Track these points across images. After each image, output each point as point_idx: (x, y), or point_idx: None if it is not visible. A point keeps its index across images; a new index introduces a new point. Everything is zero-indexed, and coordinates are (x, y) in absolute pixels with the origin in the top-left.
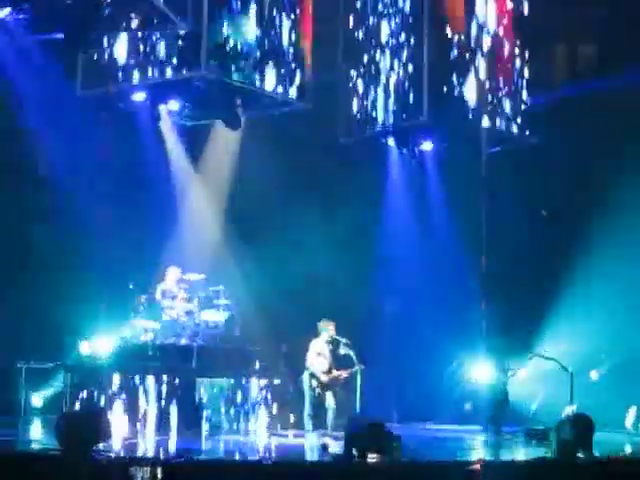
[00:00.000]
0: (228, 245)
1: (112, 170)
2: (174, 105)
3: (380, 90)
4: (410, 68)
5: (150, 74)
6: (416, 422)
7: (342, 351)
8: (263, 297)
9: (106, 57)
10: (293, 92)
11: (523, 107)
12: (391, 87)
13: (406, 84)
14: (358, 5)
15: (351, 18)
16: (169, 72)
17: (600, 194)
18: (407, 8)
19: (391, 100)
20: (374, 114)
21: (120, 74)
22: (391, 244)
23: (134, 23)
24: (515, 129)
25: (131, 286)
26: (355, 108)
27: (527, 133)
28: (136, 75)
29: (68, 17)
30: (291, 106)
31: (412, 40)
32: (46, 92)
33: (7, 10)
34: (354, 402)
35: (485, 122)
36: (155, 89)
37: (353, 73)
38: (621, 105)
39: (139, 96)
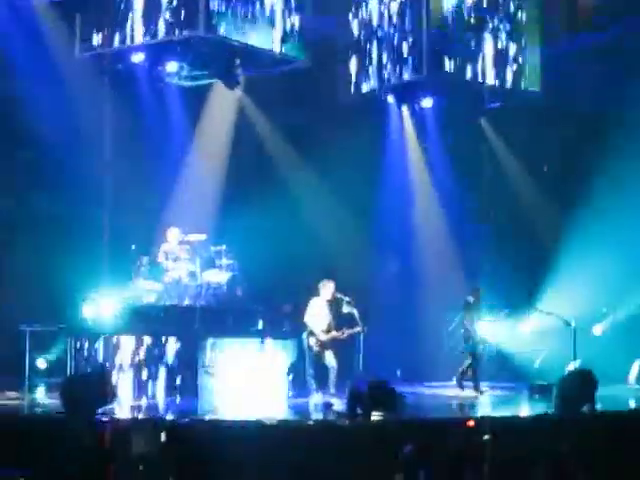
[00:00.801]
0: (229, 204)
1: (111, 131)
2: (172, 66)
3: (378, 46)
4: (408, 23)
5: (149, 34)
6: (419, 381)
7: (345, 309)
8: (265, 257)
9: (104, 18)
10: (293, 25)
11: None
12: (392, 43)
13: (405, 40)
14: None
15: None
16: (167, 32)
17: (602, 148)
18: None
19: (390, 56)
20: (373, 71)
21: (118, 35)
22: (392, 203)
23: None
24: (510, 83)
25: (133, 247)
26: (354, 65)
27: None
28: (135, 35)
29: None
30: (290, 64)
31: None
32: (44, 55)
33: None
34: (357, 361)
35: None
36: (153, 50)
37: (353, 28)
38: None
39: (137, 57)
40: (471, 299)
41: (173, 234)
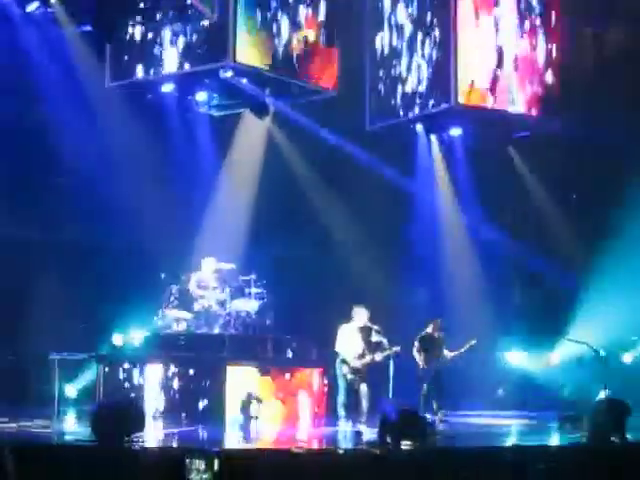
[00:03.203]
0: (258, 233)
1: (141, 161)
2: (202, 95)
3: (408, 75)
4: (437, 52)
5: (178, 65)
6: (449, 409)
7: (373, 338)
8: (294, 285)
9: (134, 48)
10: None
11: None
12: (420, 72)
13: (433, 69)
14: None
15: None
16: (197, 62)
17: (632, 177)
18: None
19: (420, 86)
20: (402, 100)
21: (148, 65)
22: (421, 231)
23: (162, 14)
24: (534, 112)
25: (163, 276)
26: (383, 95)
27: (552, 117)
28: (164, 66)
29: (96, 10)
30: (320, 94)
31: (439, 23)
32: (75, 84)
33: (35, 4)
34: (387, 389)
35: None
36: (183, 80)
37: (380, 59)
38: None
39: (167, 87)
40: (428, 331)
41: (208, 263)
